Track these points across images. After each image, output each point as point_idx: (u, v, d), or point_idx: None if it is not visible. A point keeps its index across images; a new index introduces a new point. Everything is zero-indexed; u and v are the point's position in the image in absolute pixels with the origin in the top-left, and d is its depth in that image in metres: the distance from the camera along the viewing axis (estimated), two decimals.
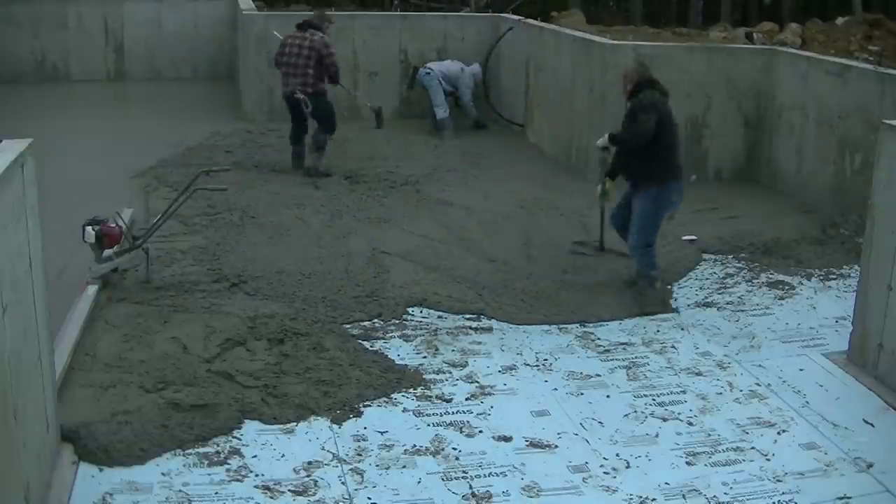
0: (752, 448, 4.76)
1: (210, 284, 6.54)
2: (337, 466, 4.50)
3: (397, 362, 5.55)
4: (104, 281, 6.34)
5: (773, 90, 9.57)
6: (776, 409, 5.16)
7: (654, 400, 5.24)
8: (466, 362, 5.62)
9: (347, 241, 7.59)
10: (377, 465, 4.52)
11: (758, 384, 5.45)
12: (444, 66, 12.11)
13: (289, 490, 4.29)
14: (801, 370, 5.62)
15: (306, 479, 4.39)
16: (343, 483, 4.37)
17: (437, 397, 5.19)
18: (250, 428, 4.79)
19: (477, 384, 5.35)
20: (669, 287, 6.84)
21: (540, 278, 6.89)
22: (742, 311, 6.49)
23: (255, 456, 4.56)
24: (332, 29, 11.68)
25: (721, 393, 5.34)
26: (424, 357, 5.66)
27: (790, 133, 9.29)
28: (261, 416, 4.88)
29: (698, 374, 5.57)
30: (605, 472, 4.52)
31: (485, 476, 4.46)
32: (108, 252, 6.39)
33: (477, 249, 7.48)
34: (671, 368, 5.63)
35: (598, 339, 6.01)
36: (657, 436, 4.86)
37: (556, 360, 5.70)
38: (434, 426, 4.89)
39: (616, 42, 10.48)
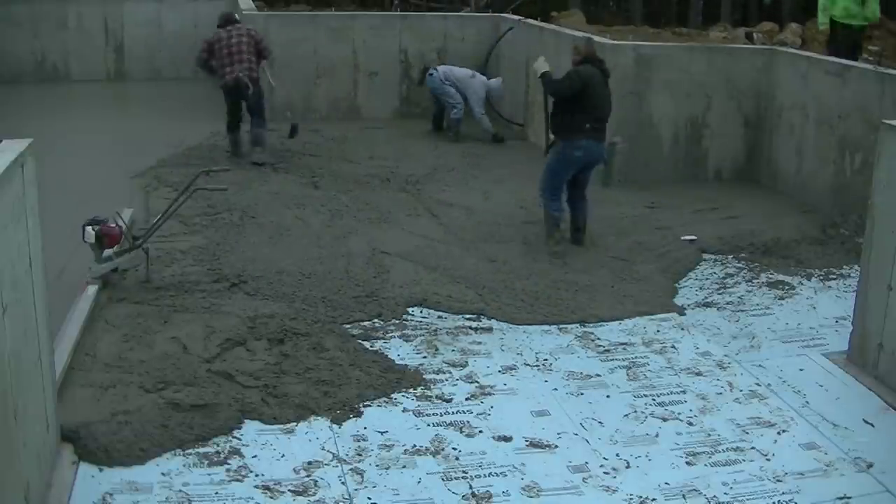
0: (752, 448, 4.76)
1: (210, 284, 6.54)
2: (337, 466, 4.50)
3: (397, 362, 5.55)
4: (104, 281, 6.34)
5: (773, 90, 9.57)
6: (776, 409, 5.16)
7: (654, 400, 5.24)
8: (466, 362, 5.62)
9: (347, 241, 7.60)
10: (377, 465, 4.52)
11: (758, 384, 5.45)
12: (452, 70, 11.64)
13: (289, 490, 4.30)
14: (801, 370, 5.62)
15: (306, 479, 4.39)
16: (343, 483, 4.37)
17: (437, 397, 5.19)
18: (250, 428, 4.79)
19: (477, 384, 5.35)
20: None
21: (540, 278, 6.89)
22: (742, 311, 6.50)
23: (255, 456, 4.56)
24: (332, 29, 11.81)
25: (721, 393, 5.34)
26: (424, 357, 5.67)
27: (790, 133, 9.29)
28: (261, 416, 4.88)
29: (698, 374, 5.57)
30: (605, 472, 4.52)
31: (485, 476, 4.46)
32: (108, 252, 6.39)
33: (477, 249, 7.48)
34: (671, 368, 5.63)
35: (598, 339, 6.01)
36: (657, 436, 4.87)
37: (556, 360, 5.70)
38: (434, 426, 4.89)
39: (616, 42, 10.48)
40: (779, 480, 4.48)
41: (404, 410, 5.05)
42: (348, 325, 6.02)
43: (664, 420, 5.03)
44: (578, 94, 7.32)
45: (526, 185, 9.41)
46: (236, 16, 10.71)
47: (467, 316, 6.28)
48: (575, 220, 7.69)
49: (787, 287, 6.92)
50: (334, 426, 4.85)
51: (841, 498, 4.36)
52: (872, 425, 4.99)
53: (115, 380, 5.09)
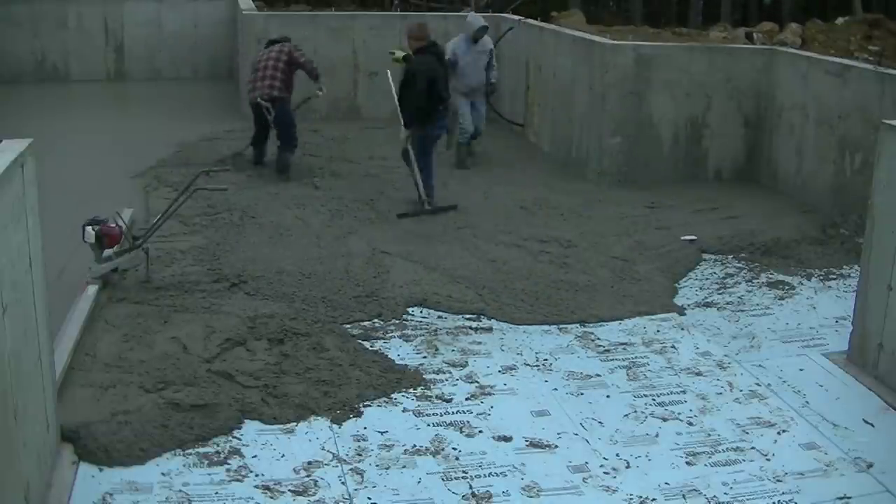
0: (752, 448, 4.76)
1: (210, 284, 6.54)
2: (337, 466, 4.50)
3: (397, 362, 5.55)
4: (104, 281, 6.34)
5: (773, 90, 9.57)
6: (776, 409, 5.16)
7: (654, 400, 5.24)
8: (466, 362, 5.62)
9: (347, 241, 7.60)
10: (377, 465, 4.52)
11: (758, 384, 5.45)
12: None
13: (289, 490, 4.30)
14: (801, 370, 5.62)
15: (306, 479, 4.39)
16: (343, 483, 4.37)
17: (437, 397, 5.19)
18: (250, 428, 4.79)
19: (477, 384, 5.35)
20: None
21: (540, 278, 6.89)
22: (742, 311, 6.50)
23: (255, 456, 4.56)
24: (332, 29, 11.76)
25: (721, 393, 5.34)
26: (424, 357, 5.66)
27: (790, 133, 9.29)
28: (261, 416, 4.88)
29: (698, 374, 5.57)
30: (605, 473, 4.52)
31: (485, 476, 4.46)
32: (108, 252, 6.40)
33: (477, 249, 7.48)
34: (671, 368, 5.63)
35: (598, 339, 6.01)
36: (657, 436, 4.87)
37: (556, 360, 5.70)
38: (434, 426, 4.89)
39: (616, 42, 10.47)
40: (779, 480, 4.48)
41: (404, 410, 5.05)
42: (348, 325, 6.02)
43: (664, 420, 5.03)
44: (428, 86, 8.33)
45: (526, 185, 9.43)
46: (285, 37, 10.09)
47: (467, 316, 6.28)
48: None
49: (787, 287, 6.92)
50: (334, 426, 4.85)
51: (841, 498, 4.36)
52: (872, 425, 4.99)
53: (115, 380, 5.09)
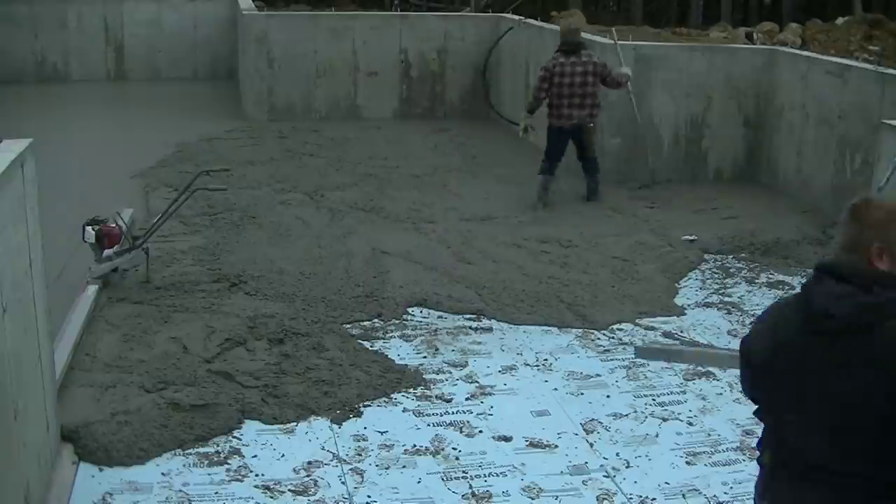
0: (753, 448, 4.75)
1: (210, 284, 6.54)
2: (337, 466, 4.50)
3: (397, 362, 5.55)
4: (104, 281, 6.34)
5: (773, 90, 9.56)
6: None
7: (654, 400, 5.24)
8: (466, 362, 5.62)
9: (347, 241, 7.59)
10: (377, 465, 4.52)
11: None
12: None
13: (289, 490, 4.30)
14: None
15: (306, 478, 4.39)
16: (343, 483, 4.37)
17: (437, 397, 5.19)
18: (250, 428, 4.79)
19: (477, 384, 5.35)
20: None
21: (540, 278, 6.89)
22: (742, 311, 6.50)
23: (255, 456, 4.56)
24: (332, 29, 11.67)
25: (721, 393, 5.34)
26: (424, 357, 5.66)
27: (790, 133, 9.29)
28: (261, 416, 4.88)
29: (698, 374, 5.57)
30: (604, 473, 4.52)
31: (485, 476, 4.46)
32: (108, 252, 6.39)
33: (477, 249, 7.48)
34: (671, 368, 5.62)
35: (598, 339, 6.01)
36: (657, 436, 4.86)
37: (556, 360, 5.70)
38: (434, 426, 4.89)
39: (617, 42, 10.46)
40: None
41: (404, 410, 5.04)
42: (348, 325, 6.02)
43: (664, 420, 5.02)
44: None
45: (526, 185, 9.42)
46: (579, 38, 8.84)
47: (467, 316, 6.28)
48: None
49: (787, 287, 6.91)
50: (334, 426, 4.85)
51: None
52: None
53: (115, 380, 5.09)
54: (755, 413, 2.65)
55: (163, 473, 4.38)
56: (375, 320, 6.13)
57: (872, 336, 2.27)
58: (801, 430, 2.42)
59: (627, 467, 4.57)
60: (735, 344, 5.97)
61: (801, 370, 2.41)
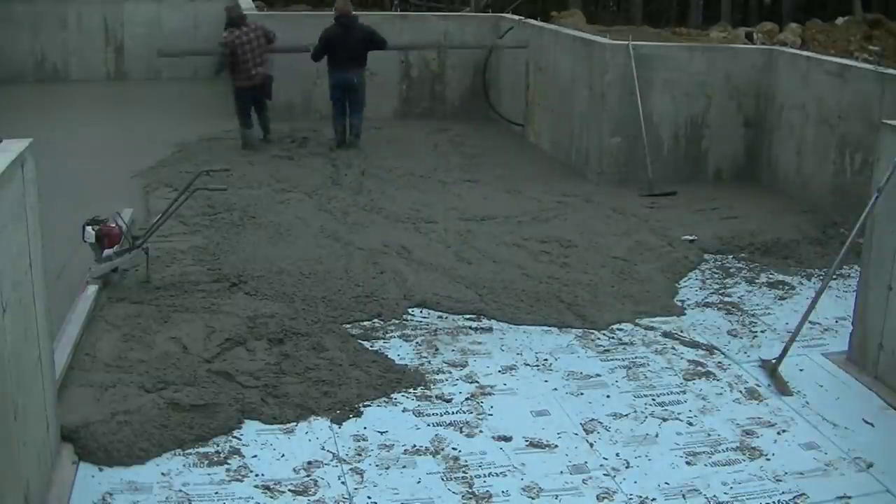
0: (752, 448, 4.76)
1: (210, 284, 6.54)
2: (337, 466, 4.50)
3: (397, 362, 5.55)
4: (104, 281, 6.34)
5: (773, 90, 9.57)
6: (776, 409, 5.16)
7: (654, 400, 5.24)
8: (466, 362, 5.62)
9: (347, 241, 7.59)
10: (377, 465, 4.52)
11: (758, 384, 5.45)
12: None
13: (289, 490, 4.30)
14: (801, 370, 5.62)
15: (306, 478, 4.39)
16: (343, 483, 4.37)
17: (437, 397, 5.19)
18: (250, 428, 4.80)
19: (477, 384, 5.35)
20: None
21: (540, 278, 6.89)
22: (742, 311, 6.50)
23: (255, 456, 4.56)
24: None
25: (721, 393, 5.34)
26: (424, 357, 5.66)
27: (790, 133, 9.29)
28: (261, 416, 4.88)
29: (698, 374, 5.57)
30: (604, 473, 4.52)
31: (485, 476, 4.46)
32: (108, 252, 6.39)
33: (477, 249, 7.48)
34: (671, 368, 5.63)
35: (598, 339, 6.01)
36: (657, 436, 4.86)
37: (556, 360, 5.70)
38: (434, 426, 4.89)
39: (616, 42, 10.47)
40: (779, 480, 4.48)
41: (404, 410, 5.04)
42: (348, 325, 6.02)
43: (664, 420, 5.02)
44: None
45: (526, 185, 9.43)
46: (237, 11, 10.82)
47: (467, 316, 6.28)
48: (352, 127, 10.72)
49: (787, 287, 6.92)
50: (334, 426, 4.85)
51: (841, 498, 4.36)
52: (872, 425, 4.99)
53: (115, 380, 5.09)
54: None
55: (163, 473, 4.38)
56: (375, 320, 6.13)
57: None
58: None
59: (627, 467, 4.57)
60: (735, 343, 5.98)
61: None
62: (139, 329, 5.78)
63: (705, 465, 4.60)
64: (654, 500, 4.32)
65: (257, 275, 6.71)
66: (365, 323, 6.08)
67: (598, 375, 5.51)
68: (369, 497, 4.27)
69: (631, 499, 4.32)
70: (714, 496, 4.35)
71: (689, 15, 26.94)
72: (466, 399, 5.18)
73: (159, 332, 5.74)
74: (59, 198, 7.58)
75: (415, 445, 4.70)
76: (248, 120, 10.70)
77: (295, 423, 4.85)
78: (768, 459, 4.66)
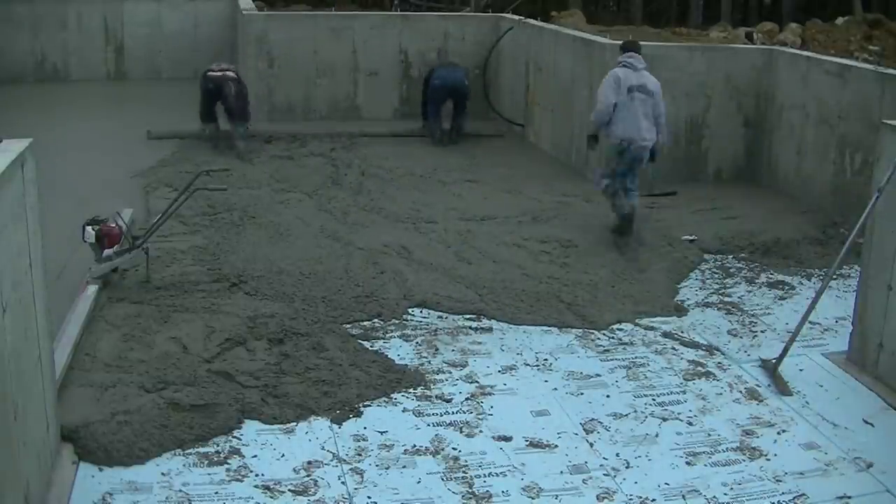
0: (752, 448, 4.76)
1: (210, 284, 6.54)
2: (337, 466, 4.50)
3: (397, 362, 5.55)
4: (104, 281, 6.34)
5: (773, 90, 9.56)
6: (776, 409, 5.16)
7: (654, 400, 5.24)
8: (466, 362, 5.62)
9: (347, 240, 7.59)
10: (377, 465, 4.52)
11: (758, 384, 5.45)
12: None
13: (289, 490, 4.30)
14: (801, 370, 5.62)
15: (306, 478, 4.39)
16: (343, 483, 4.37)
17: (437, 397, 5.19)
18: (250, 428, 4.80)
19: (477, 384, 5.35)
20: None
21: (540, 278, 6.89)
22: (742, 311, 6.50)
23: (255, 456, 4.56)
24: (332, 29, 11.67)
25: (721, 393, 5.34)
26: (424, 357, 5.66)
27: (790, 133, 9.29)
28: (261, 416, 4.88)
29: (698, 374, 5.57)
30: (604, 473, 4.52)
31: (485, 476, 4.46)
32: (108, 252, 6.39)
33: (477, 249, 7.48)
34: (671, 368, 5.63)
35: (598, 339, 6.01)
36: (657, 436, 4.87)
37: (556, 360, 5.70)
38: (434, 426, 4.89)
39: (616, 42, 10.46)
40: (779, 480, 4.48)
41: (404, 410, 5.05)
42: (348, 325, 6.02)
43: (664, 420, 5.03)
44: None
45: (526, 185, 9.43)
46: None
47: (467, 316, 6.28)
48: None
49: (787, 287, 6.92)
50: (334, 426, 4.85)
51: (841, 498, 4.36)
52: (872, 425, 4.99)
53: (115, 380, 5.09)
54: None
55: (163, 473, 4.38)
56: (375, 320, 6.13)
57: None
58: None
59: (627, 467, 4.57)
60: (735, 343, 5.98)
61: None
62: (139, 329, 5.78)
63: (705, 466, 4.60)
64: (654, 500, 4.32)
65: (257, 275, 6.71)
66: (365, 323, 6.08)
67: (598, 375, 5.52)
68: (369, 497, 4.27)
69: (631, 499, 4.32)
70: (714, 496, 4.35)
71: (689, 15, 26.92)
72: (466, 399, 5.18)
73: (159, 332, 5.74)
74: (59, 198, 7.58)
75: (415, 445, 4.70)
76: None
77: (295, 423, 4.85)
78: (768, 459, 4.66)
